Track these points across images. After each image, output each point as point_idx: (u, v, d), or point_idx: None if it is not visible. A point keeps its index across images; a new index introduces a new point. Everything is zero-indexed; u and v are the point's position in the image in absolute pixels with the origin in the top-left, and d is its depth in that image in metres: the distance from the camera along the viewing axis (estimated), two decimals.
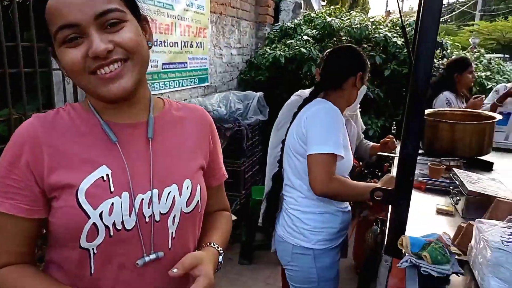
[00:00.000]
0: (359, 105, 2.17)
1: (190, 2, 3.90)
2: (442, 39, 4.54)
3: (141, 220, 0.85)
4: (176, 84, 3.83)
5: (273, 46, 4.80)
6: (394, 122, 3.32)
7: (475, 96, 3.38)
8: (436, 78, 3.82)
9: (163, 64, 3.57)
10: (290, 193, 1.75)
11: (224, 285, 3.23)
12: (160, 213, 0.88)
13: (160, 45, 3.52)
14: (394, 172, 2.11)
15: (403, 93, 4.31)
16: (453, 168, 2.11)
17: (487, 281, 0.95)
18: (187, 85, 4.02)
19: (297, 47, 4.34)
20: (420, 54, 1.09)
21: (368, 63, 1.82)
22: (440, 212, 1.60)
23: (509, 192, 1.58)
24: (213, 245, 0.97)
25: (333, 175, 1.56)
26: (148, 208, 0.86)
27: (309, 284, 1.71)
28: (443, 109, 2.67)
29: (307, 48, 4.27)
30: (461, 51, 5.59)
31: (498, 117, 2.37)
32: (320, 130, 1.56)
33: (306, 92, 2.32)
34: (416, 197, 1.81)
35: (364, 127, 2.72)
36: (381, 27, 4.56)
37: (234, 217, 3.27)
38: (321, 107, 1.64)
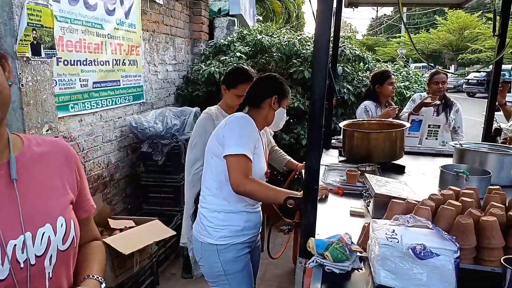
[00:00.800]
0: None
1: (120, 21, 3.90)
2: (363, 54, 4.91)
3: (16, 267, 0.83)
4: (109, 102, 3.79)
5: (207, 62, 4.90)
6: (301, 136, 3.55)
7: (389, 106, 3.70)
8: (366, 90, 4.12)
9: (94, 83, 3.53)
10: (203, 191, 1.93)
11: None
12: (36, 255, 0.86)
13: (90, 64, 3.48)
14: None
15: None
16: (365, 173, 2.32)
17: (378, 273, 1.10)
18: (121, 103, 3.99)
19: (230, 63, 4.48)
20: (315, 77, 1.24)
21: (287, 90, 2.02)
22: (353, 214, 1.78)
23: (412, 193, 1.79)
24: (93, 276, 0.99)
25: (250, 175, 1.74)
26: (22, 253, 0.84)
27: (219, 278, 1.87)
28: (361, 119, 2.92)
29: (239, 64, 4.41)
30: (384, 63, 6.06)
31: (407, 125, 2.64)
32: (236, 134, 1.77)
33: (212, 108, 2.57)
34: (334, 201, 1.98)
35: (273, 132, 2.90)
36: (308, 43, 4.84)
37: (173, 232, 3.29)
38: (240, 116, 1.87)
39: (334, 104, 3.08)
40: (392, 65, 5.99)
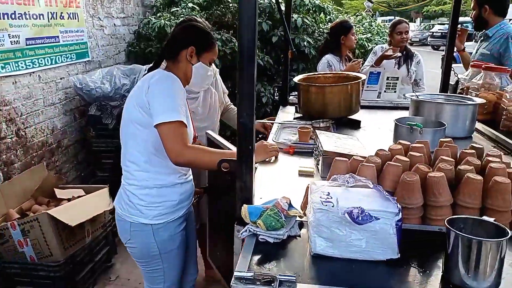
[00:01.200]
0: (213, 74, 2.04)
1: None
2: (324, 4, 4.68)
3: None
4: (48, 61, 3.44)
5: (158, 15, 4.54)
6: (276, 89, 3.38)
7: (353, 60, 3.56)
8: (322, 43, 3.93)
9: (27, 39, 3.16)
10: (127, 166, 1.67)
11: None
12: None
13: (20, 17, 3.10)
14: (270, 138, 2.13)
15: (292, 58, 4.40)
16: (316, 130, 2.20)
17: (313, 241, 0.99)
18: (62, 62, 3.64)
19: (182, 15, 4.15)
20: (242, 17, 1.06)
21: (210, 41, 1.78)
22: (302, 174, 1.66)
23: (362, 149, 1.68)
24: None
25: (188, 143, 1.55)
26: None
27: (152, 258, 1.71)
28: (317, 73, 2.77)
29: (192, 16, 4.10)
30: (345, 14, 5.85)
31: (363, 77, 2.51)
32: (165, 99, 1.53)
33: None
34: (284, 161, 1.85)
35: (227, 91, 2.73)
36: None
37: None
38: (163, 76, 1.60)
39: (290, 57, 2.89)
40: (355, 16, 5.79)
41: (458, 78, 2.83)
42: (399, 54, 3.59)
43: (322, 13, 4.64)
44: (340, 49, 3.52)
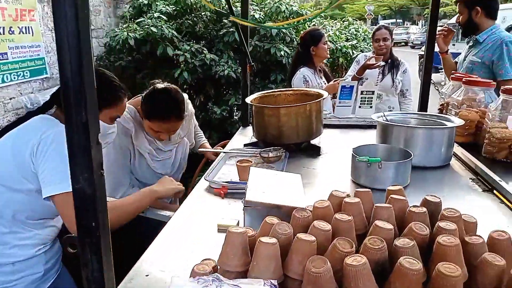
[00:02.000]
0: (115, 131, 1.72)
1: None
2: (303, 9, 4.35)
3: None
4: None
5: (124, 26, 4.25)
6: (235, 108, 3.05)
7: (334, 79, 3.22)
8: (294, 55, 3.62)
9: None
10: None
11: None
12: None
13: None
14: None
15: (265, 70, 4.09)
16: (268, 161, 1.87)
17: None
18: (12, 80, 3.36)
19: (147, 26, 3.85)
20: (63, 48, 0.73)
21: (119, 95, 1.53)
22: (221, 229, 1.32)
23: (301, 197, 1.32)
24: None
25: None
26: None
27: None
28: (277, 90, 2.43)
29: (159, 27, 3.80)
30: (332, 20, 5.53)
31: (325, 94, 2.17)
32: (61, 164, 1.22)
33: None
34: (209, 206, 1.50)
35: (200, 131, 2.49)
36: (238, 3, 4.25)
37: None
38: (58, 133, 1.26)
39: (248, 71, 2.57)
40: (341, 21, 5.46)
41: (437, 89, 2.48)
42: (383, 63, 3.26)
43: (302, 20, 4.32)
44: (313, 61, 3.19)
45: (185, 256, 1.15)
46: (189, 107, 2.29)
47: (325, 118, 2.71)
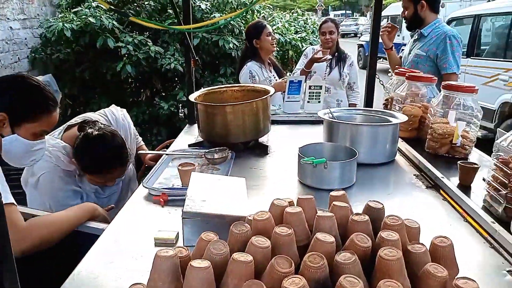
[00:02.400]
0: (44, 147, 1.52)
1: None
2: (251, 1, 4.26)
3: None
4: None
5: (60, 16, 3.94)
6: (180, 105, 2.93)
7: (283, 78, 3.17)
8: (243, 50, 3.53)
9: None
10: None
11: None
12: None
13: None
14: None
15: (214, 63, 3.97)
16: (213, 163, 1.78)
17: None
18: None
19: (85, 16, 3.59)
20: None
21: (48, 109, 1.38)
22: (158, 243, 1.21)
23: (244, 205, 1.24)
24: None
25: (24, 224, 1.22)
26: None
27: None
28: (223, 86, 2.33)
29: (97, 17, 3.55)
30: (281, 10, 5.49)
31: (272, 91, 2.11)
32: None
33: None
34: (148, 216, 1.39)
35: (140, 138, 2.33)
36: None
37: None
38: None
39: (192, 66, 2.44)
40: (290, 13, 5.43)
41: (382, 84, 2.51)
42: (329, 57, 3.25)
43: (249, 11, 4.23)
44: (259, 55, 3.12)
45: (119, 274, 1.05)
46: (131, 127, 2.14)
47: (274, 114, 2.68)
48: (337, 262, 0.78)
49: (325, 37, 3.24)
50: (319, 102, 2.75)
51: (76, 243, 1.39)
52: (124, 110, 2.15)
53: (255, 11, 4.29)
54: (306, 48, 3.83)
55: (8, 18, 3.96)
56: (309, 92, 2.75)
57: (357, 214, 0.95)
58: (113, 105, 2.19)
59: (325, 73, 3.32)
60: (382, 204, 1.00)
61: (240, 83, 2.99)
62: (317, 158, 1.53)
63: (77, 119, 1.93)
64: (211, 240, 0.87)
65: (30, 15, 4.30)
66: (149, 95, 4.06)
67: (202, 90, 2.21)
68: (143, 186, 1.54)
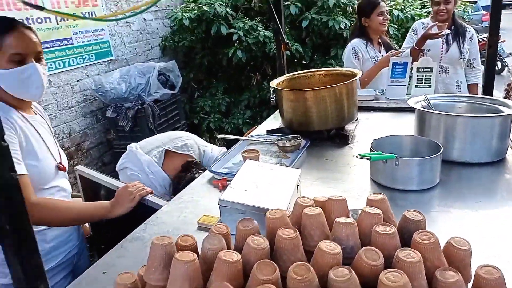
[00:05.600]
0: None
1: None
2: None
3: None
4: (59, 65, 3.42)
5: (182, 6, 4.27)
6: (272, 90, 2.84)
7: (393, 50, 2.86)
8: (352, 27, 3.31)
9: None
10: None
11: None
12: None
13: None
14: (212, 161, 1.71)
15: (325, 45, 3.81)
16: (284, 151, 1.72)
17: None
18: (78, 64, 3.60)
19: (200, 5, 3.82)
20: None
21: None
22: (201, 226, 1.23)
23: (285, 200, 1.16)
24: None
25: (34, 200, 1.22)
26: None
27: None
28: (310, 70, 2.20)
29: (211, 5, 3.74)
30: None
31: (359, 74, 1.93)
32: None
33: None
34: (207, 197, 1.42)
35: None
36: None
37: None
38: None
39: (282, 50, 2.38)
40: None
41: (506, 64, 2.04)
42: (447, 31, 2.80)
43: None
44: (367, 33, 2.86)
45: None
46: None
47: (371, 100, 2.45)
48: (330, 279, 0.67)
49: (438, 8, 2.78)
50: (430, 86, 2.40)
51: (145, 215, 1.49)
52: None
53: None
54: (414, 23, 3.33)
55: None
56: (417, 75, 2.42)
57: (384, 224, 0.79)
58: (223, 147, 2.23)
59: (442, 51, 2.88)
60: (423, 215, 0.82)
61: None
62: (395, 153, 1.34)
63: (178, 142, 2.02)
64: (246, 229, 0.84)
65: (161, 6, 4.77)
66: (259, 79, 4.14)
67: (287, 75, 2.14)
68: (208, 170, 1.58)
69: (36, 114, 1.44)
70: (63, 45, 3.43)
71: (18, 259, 0.82)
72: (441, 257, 0.73)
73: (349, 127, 1.96)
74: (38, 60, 1.30)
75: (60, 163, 1.41)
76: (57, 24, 3.36)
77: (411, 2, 4.10)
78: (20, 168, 1.18)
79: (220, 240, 0.80)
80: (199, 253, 0.83)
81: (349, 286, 0.65)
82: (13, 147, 1.20)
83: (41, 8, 0.84)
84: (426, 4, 4.27)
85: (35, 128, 1.35)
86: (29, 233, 0.83)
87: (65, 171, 1.44)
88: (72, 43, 3.52)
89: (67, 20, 3.44)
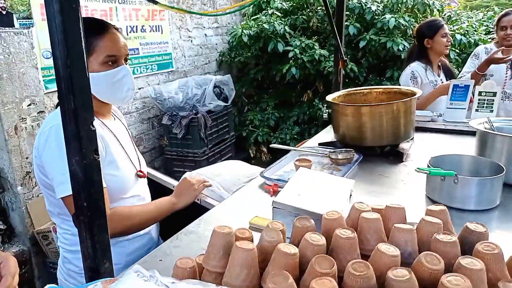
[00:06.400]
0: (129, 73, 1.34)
1: None
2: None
3: None
4: None
5: (242, 24, 4.43)
6: (325, 105, 2.85)
7: (450, 80, 2.80)
8: (409, 49, 3.28)
9: None
10: (58, 227, 1.33)
11: None
12: None
13: None
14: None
15: (381, 66, 3.78)
16: (336, 163, 1.73)
17: None
18: (141, 73, 3.83)
19: (260, 23, 3.95)
20: (55, 35, 0.78)
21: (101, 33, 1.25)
22: (253, 227, 1.26)
23: (337, 207, 1.17)
24: None
25: (108, 214, 1.15)
26: None
27: None
28: (367, 88, 2.20)
29: (271, 23, 3.86)
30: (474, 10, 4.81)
31: (418, 93, 1.90)
32: (61, 163, 1.02)
33: None
34: (253, 203, 1.45)
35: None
36: None
37: None
38: (54, 127, 1.14)
39: (340, 67, 2.40)
40: (485, 11, 4.67)
41: None
42: None
43: (426, 10, 3.85)
44: (428, 56, 2.82)
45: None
46: None
47: (429, 121, 2.39)
48: (388, 278, 0.67)
49: (505, 32, 2.70)
50: (491, 111, 2.31)
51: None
52: None
53: (435, 10, 3.87)
54: (476, 48, 3.23)
55: (203, 27, 4.68)
56: (479, 99, 2.34)
57: (445, 233, 0.78)
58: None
59: (506, 77, 2.77)
60: (486, 228, 0.80)
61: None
62: (454, 171, 1.31)
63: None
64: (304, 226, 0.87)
65: (222, 23, 4.98)
66: (311, 96, 4.17)
67: (343, 91, 2.15)
68: (260, 175, 1.62)
69: (115, 119, 1.42)
70: (131, 54, 3.67)
71: (89, 235, 0.90)
72: (504, 270, 0.71)
73: (404, 145, 1.93)
74: (125, 62, 1.31)
75: (140, 170, 1.38)
76: (127, 35, 3.61)
77: (476, 27, 3.98)
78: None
79: (279, 233, 0.83)
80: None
81: (408, 287, 0.65)
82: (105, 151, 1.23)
83: (155, 2, 0.93)
84: (491, 30, 4.12)
85: (114, 135, 1.31)
86: (102, 213, 0.91)
87: (145, 178, 1.42)
88: (138, 53, 3.75)
89: (137, 31, 3.68)
